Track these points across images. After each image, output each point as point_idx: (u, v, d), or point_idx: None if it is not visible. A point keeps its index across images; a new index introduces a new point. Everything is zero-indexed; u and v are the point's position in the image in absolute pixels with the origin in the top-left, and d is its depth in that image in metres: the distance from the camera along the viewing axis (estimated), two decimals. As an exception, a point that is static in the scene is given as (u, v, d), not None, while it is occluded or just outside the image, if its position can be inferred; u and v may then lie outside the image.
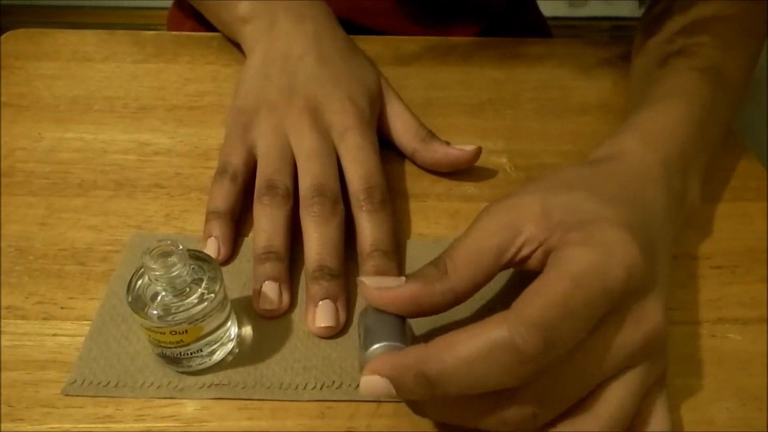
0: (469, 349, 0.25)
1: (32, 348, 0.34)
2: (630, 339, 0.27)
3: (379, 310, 0.30)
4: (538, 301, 0.25)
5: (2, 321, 0.35)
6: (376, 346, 0.28)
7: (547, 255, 0.28)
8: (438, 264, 0.29)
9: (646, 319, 0.27)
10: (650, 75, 0.44)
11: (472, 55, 0.56)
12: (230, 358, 0.33)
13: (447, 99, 0.51)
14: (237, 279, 0.37)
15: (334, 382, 0.32)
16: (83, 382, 0.32)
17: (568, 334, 0.25)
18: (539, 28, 0.72)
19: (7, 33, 0.57)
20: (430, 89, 0.52)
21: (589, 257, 0.26)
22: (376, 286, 0.29)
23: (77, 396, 0.32)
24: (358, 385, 0.32)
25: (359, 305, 0.36)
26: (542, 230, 0.29)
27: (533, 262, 0.29)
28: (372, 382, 0.26)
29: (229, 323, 0.33)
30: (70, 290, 0.37)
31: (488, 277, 0.29)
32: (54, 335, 0.34)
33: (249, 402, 0.32)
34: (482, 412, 0.27)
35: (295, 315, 0.36)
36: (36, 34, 0.58)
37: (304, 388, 0.32)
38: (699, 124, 0.38)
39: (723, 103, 0.41)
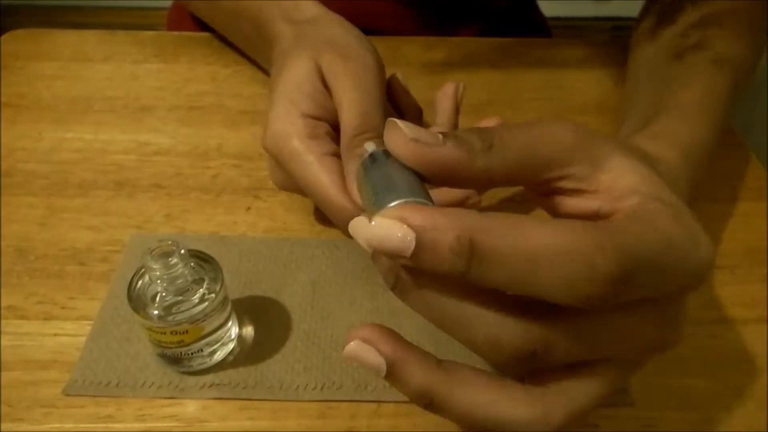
0: (542, 240, 0.21)
1: (32, 348, 0.34)
2: (653, 336, 0.25)
3: (395, 161, 0.24)
4: (635, 235, 0.22)
5: (2, 321, 0.35)
6: (406, 200, 0.22)
7: (604, 213, 0.25)
8: (483, 136, 0.25)
9: (675, 326, 0.25)
10: (668, 68, 0.43)
11: (472, 55, 0.56)
12: (231, 358, 0.33)
13: (447, 99, 0.51)
14: (237, 279, 0.37)
15: (334, 382, 0.33)
16: (84, 381, 0.32)
17: (638, 288, 0.22)
18: (539, 28, 0.72)
19: (7, 33, 0.57)
20: (431, 89, 0.52)
21: (684, 235, 0.24)
22: (414, 136, 0.24)
23: (78, 396, 0.32)
24: (358, 386, 0.32)
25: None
26: (600, 181, 0.25)
27: (572, 205, 0.26)
28: (386, 228, 0.21)
29: (229, 323, 0.33)
30: (71, 290, 0.37)
31: (525, 180, 0.26)
32: (54, 335, 0.34)
33: (249, 402, 0.32)
34: (480, 324, 0.23)
35: (295, 315, 0.36)
36: (36, 34, 0.58)
37: (305, 388, 0.32)
38: (718, 136, 0.38)
39: (734, 99, 0.41)
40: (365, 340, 0.24)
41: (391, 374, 0.24)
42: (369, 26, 0.60)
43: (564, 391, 0.25)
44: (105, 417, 0.31)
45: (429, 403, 0.24)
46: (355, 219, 0.23)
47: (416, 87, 0.52)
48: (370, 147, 0.28)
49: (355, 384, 0.32)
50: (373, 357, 0.24)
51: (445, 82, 0.41)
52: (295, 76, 0.35)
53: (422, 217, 0.21)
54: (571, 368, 0.25)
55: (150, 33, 0.58)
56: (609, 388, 0.25)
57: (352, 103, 0.34)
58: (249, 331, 0.35)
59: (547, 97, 0.52)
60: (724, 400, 0.32)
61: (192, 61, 0.54)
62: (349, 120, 0.33)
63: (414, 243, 0.21)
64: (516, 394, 0.24)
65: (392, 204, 0.22)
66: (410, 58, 0.56)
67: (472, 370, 0.25)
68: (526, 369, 0.25)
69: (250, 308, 0.36)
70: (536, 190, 0.27)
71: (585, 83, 0.54)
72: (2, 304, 0.36)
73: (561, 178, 0.26)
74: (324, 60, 0.36)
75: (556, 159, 0.25)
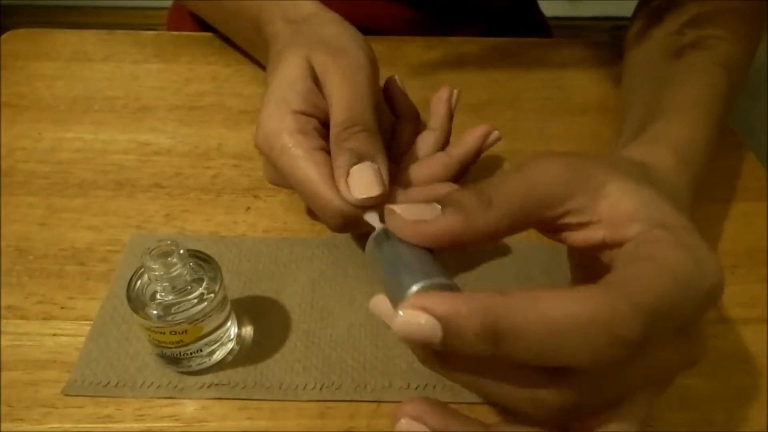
0: (561, 314, 0.21)
1: (32, 348, 0.34)
2: (680, 359, 0.25)
3: (403, 240, 0.26)
4: (648, 289, 0.22)
5: (2, 321, 0.35)
6: (423, 283, 0.23)
7: (609, 242, 0.26)
8: (480, 194, 0.26)
9: (698, 344, 0.26)
10: (663, 67, 0.43)
11: (472, 55, 0.56)
12: (230, 358, 0.33)
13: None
14: (237, 279, 0.37)
15: (333, 382, 0.32)
16: (83, 381, 0.32)
17: (660, 335, 0.23)
18: (539, 28, 0.72)
19: (7, 33, 0.57)
20: (431, 89, 0.52)
21: (690, 264, 0.24)
22: (413, 218, 0.25)
23: (77, 396, 0.32)
24: (357, 386, 0.32)
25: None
26: (600, 211, 0.26)
27: (579, 238, 0.27)
28: (414, 320, 0.22)
29: (229, 323, 0.33)
30: (70, 290, 0.37)
31: (526, 225, 0.26)
32: (54, 335, 0.34)
33: (249, 402, 0.32)
34: (516, 387, 0.24)
35: (295, 314, 0.36)
36: (36, 34, 0.58)
37: (304, 388, 0.32)
38: (716, 134, 0.38)
39: (732, 98, 0.41)
40: (413, 418, 0.24)
41: None
42: (369, 26, 0.60)
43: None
44: (104, 417, 0.31)
45: (491, 337, 0.23)
46: (375, 299, 0.25)
47: (416, 87, 0.52)
48: (372, 219, 0.30)
49: (354, 384, 0.32)
50: None
51: (442, 86, 0.40)
52: (287, 75, 0.35)
53: (445, 306, 0.21)
54: (613, 407, 0.25)
55: (150, 33, 0.58)
56: (645, 413, 0.26)
57: (342, 98, 0.34)
58: (248, 331, 0.35)
59: (547, 97, 0.52)
60: (724, 400, 0.32)
61: (192, 61, 0.54)
62: (337, 114, 0.33)
63: (441, 332, 0.21)
64: None
65: (412, 290, 0.23)
66: (410, 58, 0.56)
67: (518, 428, 0.25)
68: (571, 421, 0.25)
69: (249, 308, 0.36)
70: (543, 229, 0.28)
71: (585, 83, 0.54)
72: (2, 304, 0.36)
73: (563, 215, 0.27)
74: (316, 59, 0.36)
75: (554, 198, 0.26)
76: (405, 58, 0.55)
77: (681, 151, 0.34)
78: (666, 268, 0.24)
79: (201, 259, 0.32)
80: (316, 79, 0.36)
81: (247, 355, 0.34)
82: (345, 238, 0.39)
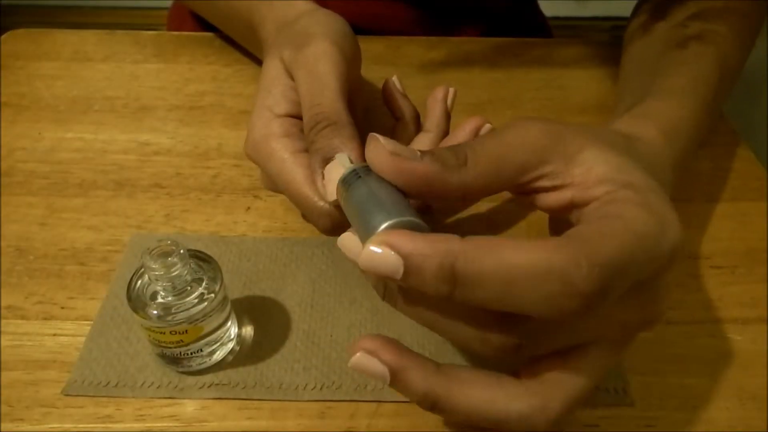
0: (518, 262, 0.22)
1: (32, 348, 0.34)
2: (636, 318, 0.26)
3: (378, 179, 0.26)
4: (606, 243, 0.23)
5: (2, 321, 0.35)
6: (394, 220, 0.24)
7: (577, 202, 0.27)
8: (457, 152, 0.26)
9: (657, 305, 0.26)
10: (660, 58, 0.43)
11: (472, 55, 0.56)
12: (230, 358, 0.33)
13: (447, 99, 0.51)
14: (237, 279, 0.37)
15: (333, 382, 0.32)
16: (83, 381, 0.32)
17: (615, 291, 0.23)
18: (540, 28, 0.72)
19: (7, 33, 0.57)
20: (431, 89, 0.52)
21: (651, 223, 0.24)
22: (392, 150, 0.25)
23: (77, 396, 0.32)
24: (357, 386, 0.32)
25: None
26: (573, 175, 0.27)
27: (549, 200, 0.27)
28: (380, 255, 0.22)
29: (229, 323, 0.33)
30: (70, 290, 0.37)
31: (502, 188, 0.27)
32: (54, 335, 0.34)
33: (249, 402, 0.32)
34: (467, 325, 0.25)
35: (295, 314, 0.36)
36: (36, 34, 0.58)
37: (304, 388, 0.32)
38: (705, 121, 0.38)
39: (724, 93, 0.41)
40: (368, 351, 0.25)
41: (395, 381, 0.25)
42: (369, 26, 0.60)
43: (558, 381, 0.26)
44: (104, 417, 0.31)
45: (432, 405, 0.25)
46: (343, 235, 0.26)
47: (416, 87, 0.52)
48: (341, 158, 0.29)
49: (354, 384, 0.32)
50: (377, 366, 0.25)
51: (438, 85, 0.40)
52: (265, 79, 0.36)
53: (409, 245, 0.22)
54: (562, 357, 0.26)
55: (150, 33, 0.58)
56: (600, 371, 0.27)
57: (305, 93, 0.33)
58: (248, 330, 0.35)
59: (547, 97, 0.52)
60: (724, 400, 0.32)
61: (192, 61, 0.54)
62: (304, 113, 0.33)
63: (402, 269, 0.22)
64: (512, 389, 0.26)
65: (382, 226, 0.23)
66: (410, 58, 0.56)
67: (470, 370, 0.26)
68: (516, 360, 0.26)
69: (249, 308, 0.36)
70: (514, 191, 0.28)
71: (585, 83, 0.54)
72: (2, 304, 0.36)
73: (537, 179, 0.27)
74: (285, 56, 0.36)
75: (529, 162, 0.27)
76: (405, 58, 0.55)
77: (667, 127, 0.35)
78: (627, 225, 0.24)
79: (201, 259, 0.32)
80: (291, 76, 0.36)
81: (247, 355, 0.34)
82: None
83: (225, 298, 0.32)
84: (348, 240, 0.26)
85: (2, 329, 0.35)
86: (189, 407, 0.32)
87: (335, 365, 0.33)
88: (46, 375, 0.33)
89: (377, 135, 0.26)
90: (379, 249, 0.23)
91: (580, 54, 0.57)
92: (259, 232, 0.40)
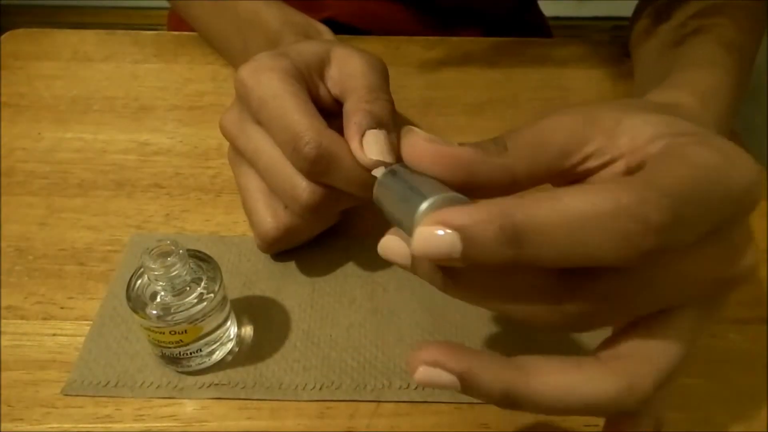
0: (583, 206, 0.20)
1: (32, 348, 0.34)
2: (720, 271, 0.23)
3: (413, 173, 0.25)
4: (672, 176, 0.21)
5: (2, 321, 0.35)
6: (436, 197, 0.22)
7: (633, 167, 0.25)
8: (497, 141, 0.25)
9: (740, 255, 0.24)
10: (673, 52, 0.42)
11: (472, 55, 0.56)
12: (230, 358, 0.33)
13: (447, 99, 0.51)
14: (237, 279, 0.37)
15: (333, 382, 0.32)
16: (83, 381, 0.32)
17: (690, 227, 0.21)
18: (539, 28, 0.72)
19: (7, 33, 0.57)
20: (430, 89, 0.52)
21: (716, 157, 0.22)
22: (430, 138, 0.24)
23: (77, 396, 0.32)
24: (357, 385, 0.32)
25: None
26: (620, 146, 0.25)
27: (603, 178, 0.26)
28: (432, 235, 0.21)
29: (228, 323, 0.33)
30: (70, 290, 0.37)
31: (549, 174, 0.25)
32: (54, 335, 0.34)
33: (248, 402, 0.32)
34: (537, 297, 0.23)
35: (294, 314, 0.36)
36: (36, 34, 0.58)
37: (304, 388, 0.32)
38: (734, 91, 0.37)
39: (743, 80, 0.40)
40: (430, 363, 0.23)
41: (466, 388, 0.23)
42: (370, 26, 0.60)
43: (643, 355, 0.24)
44: (104, 417, 0.31)
45: (513, 403, 0.23)
46: (384, 239, 0.24)
47: (416, 87, 0.52)
48: (379, 172, 0.29)
49: (354, 384, 0.32)
50: (445, 377, 0.23)
51: (442, 85, 0.39)
52: (300, 46, 0.35)
53: (461, 215, 0.21)
54: (645, 327, 0.24)
55: (150, 33, 0.58)
56: (690, 337, 0.24)
57: (366, 73, 0.33)
58: (248, 330, 0.35)
59: (546, 96, 0.52)
60: (724, 400, 0.32)
61: (192, 61, 0.54)
62: (362, 81, 0.33)
63: (460, 244, 0.21)
64: (594, 372, 0.23)
65: (424, 205, 0.22)
66: (410, 58, 0.56)
67: (544, 358, 0.24)
68: (592, 330, 0.24)
69: (249, 308, 0.36)
70: (565, 181, 0.26)
71: (585, 83, 0.53)
72: (2, 304, 0.36)
73: (583, 161, 0.25)
74: (337, 50, 0.35)
75: (569, 145, 0.25)
76: (405, 58, 0.55)
77: (700, 92, 0.33)
78: (695, 162, 0.22)
79: (200, 259, 0.32)
80: (324, 68, 0.35)
81: (246, 355, 0.34)
82: (345, 237, 0.39)
83: (224, 298, 0.32)
84: (390, 241, 0.24)
85: (2, 329, 0.35)
86: (188, 407, 0.32)
87: (335, 365, 0.33)
88: (46, 375, 0.33)
89: (412, 127, 0.25)
90: (430, 230, 0.21)
91: (580, 54, 0.57)
92: (258, 232, 0.40)
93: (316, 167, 0.31)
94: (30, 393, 0.32)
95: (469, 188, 0.24)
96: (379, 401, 0.32)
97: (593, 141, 0.25)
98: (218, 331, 0.32)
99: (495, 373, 0.23)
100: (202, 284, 0.31)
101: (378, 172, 0.29)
